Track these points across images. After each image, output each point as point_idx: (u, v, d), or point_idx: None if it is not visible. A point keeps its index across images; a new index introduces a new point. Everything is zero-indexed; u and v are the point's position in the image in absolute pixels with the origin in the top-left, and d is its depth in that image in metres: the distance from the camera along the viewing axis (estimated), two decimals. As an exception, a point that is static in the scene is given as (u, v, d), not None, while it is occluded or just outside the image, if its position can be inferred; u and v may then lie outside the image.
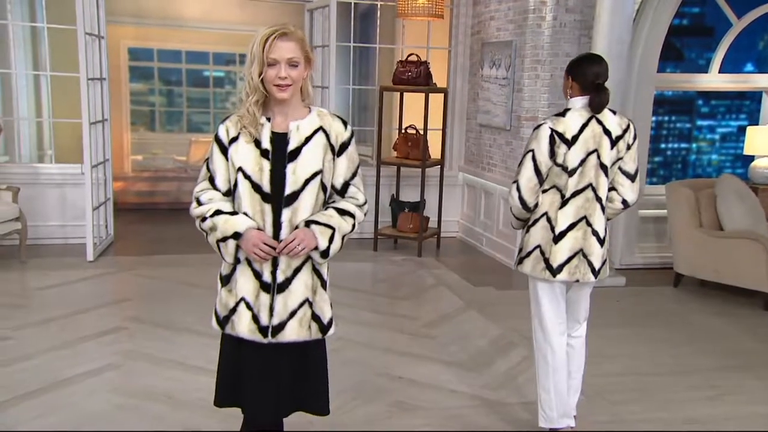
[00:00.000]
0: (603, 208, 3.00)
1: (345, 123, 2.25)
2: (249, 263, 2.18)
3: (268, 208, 2.14)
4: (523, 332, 4.48)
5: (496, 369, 3.96)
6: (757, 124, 6.71)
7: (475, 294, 5.37)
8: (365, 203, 2.30)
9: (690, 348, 4.43)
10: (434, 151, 6.71)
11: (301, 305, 2.20)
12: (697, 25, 6.63)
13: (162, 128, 11.46)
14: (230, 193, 2.20)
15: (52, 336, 4.16)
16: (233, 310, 2.21)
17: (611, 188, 3.03)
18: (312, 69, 2.20)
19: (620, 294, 5.46)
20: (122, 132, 10.19)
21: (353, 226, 2.24)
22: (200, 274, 5.29)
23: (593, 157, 2.93)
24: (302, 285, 2.19)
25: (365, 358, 4.03)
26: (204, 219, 2.19)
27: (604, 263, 3.05)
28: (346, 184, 2.25)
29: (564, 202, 2.97)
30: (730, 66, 6.63)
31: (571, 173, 2.93)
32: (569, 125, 2.92)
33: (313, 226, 2.15)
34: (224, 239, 2.15)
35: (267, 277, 2.17)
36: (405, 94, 6.72)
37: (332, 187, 2.24)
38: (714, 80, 6.65)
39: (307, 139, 2.16)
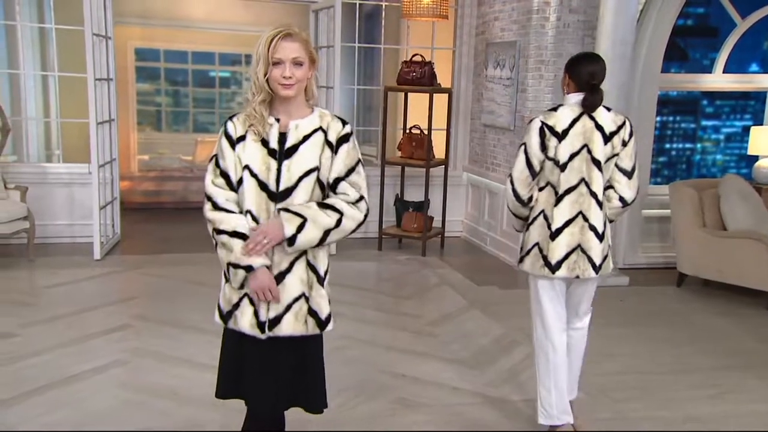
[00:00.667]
0: (600, 204, 3.02)
1: (345, 123, 2.27)
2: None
3: (273, 206, 2.18)
4: (526, 331, 4.49)
5: (499, 367, 3.99)
6: (761, 125, 6.71)
7: (479, 293, 5.40)
8: (360, 200, 2.23)
9: (692, 347, 4.45)
10: (438, 151, 6.73)
11: (296, 299, 2.22)
12: (701, 26, 6.64)
13: (168, 128, 11.51)
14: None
15: (60, 333, 4.21)
16: (236, 305, 2.24)
17: (609, 186, 3.05)
18: (316, 70, 2.23)
19: (623, 293, 5.48)
20: (129, 132, 10.25)
21: (339, 221, 2.17)
22: (206, 272, 5.33)
23: (584, 152, 2.97)
24: (297, 280, 2.22)
25: (368, 356, 4.06)
26: (219, 232, 2.18)
27: (605, 259, 3.06)
28: (338, 180, 2.22)
29: (559, 199, 3.01)
30: (734, 66, 6.64)
31: (562, 168, 2.98)
32: (560, 119, 2.98)
33: (282, 213, 2.14)
34: (236, 266, 2.17)
35: None
36: (409, 94, 6.75)
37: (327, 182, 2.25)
38: (718, 80, 6.66)
39: (305, 138, 2.19)
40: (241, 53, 11.23)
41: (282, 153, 2.18)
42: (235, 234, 2.16)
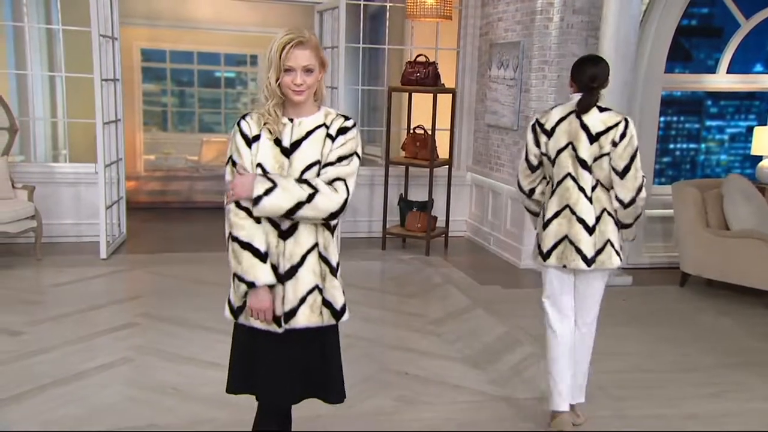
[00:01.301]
0: (590, 199, 3.10)
1: (348, 118, 2.31)
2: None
3: None
4: (529, 330, 4.54)
5: (502, 365, 4.02)
6: (765, 125, 6.72)
7: (482, 292, 5.42)
8: (339, 181, 2.20)
9: (694, 346, 4.46)
10: (442, 151, 6.76)
11: (310, 291, 2.24)
12: (705, 26, 6.65)
13: (174, 128, 11.57)
14: None
15: (67, 331, 4.26)
16: None
17: (612, 186, 3.10)
18: (325, 71, 2.28)
19: (627, 293, 5.50)
20: (135, 132, 10.31)
21: (311, 196, 2.14)
22: (211, 271, 5.38)
23: (569, 149, 3.10)
24: (309, 272, 2.24)
25: (372, 354, 4.10)
26: (234, 238, 2.20)
27: (599, 252, 3.10)
28: (327, 165, 2.22)
29: (552, 192, 3.19)
30: (738, 66, 6.64)
31: (553, 163, 3.16)
32: (550, 117, 3.17)
33: (258, 176, 2.17)
34: (240, 279, 2.20)
35: (278, 268, 2.23)
36: (413, 94, 6.78)
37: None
38: (722, 81, 6.67)
39: (308, 133, 2.24)
40: (247, 54, 11.29)
41: (286, 149, 2.22)
42: (247, 246, 2.18)
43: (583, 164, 3.07)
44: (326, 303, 2.29)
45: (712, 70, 6.77)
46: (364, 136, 8.23)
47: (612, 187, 3.09)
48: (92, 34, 5.60)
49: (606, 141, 3.03)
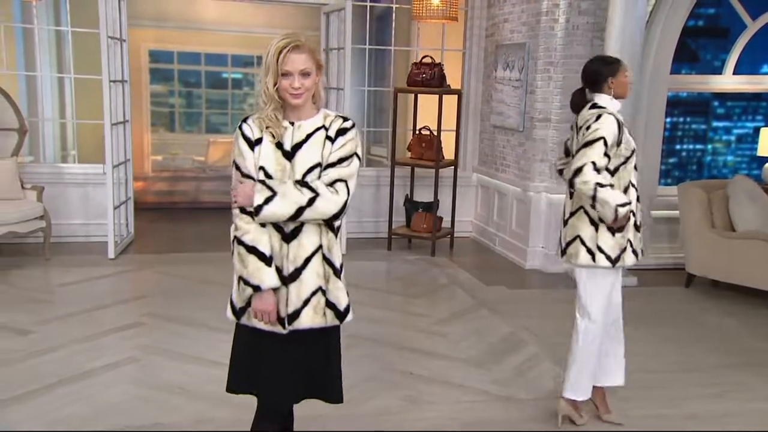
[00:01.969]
0: (571, 194, 3.25)
1: (346, 119, 2.32)
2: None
3: None
4: (534, 330, 4.56)
5: (506, 366, 4.03)
6: (771, 125, 6.70)
7: (487, 293, 5.44)
8: (339, 182, 2.22)
9: (698, 347, 4.47)
10: (448, 152, 6.77)
11: (314, 293, 2.27)
12: (711, 27, 6.64)
13: (181, 129, 11.64)
14: None
15: (74, 330, 4.30)
16: (251, 302, 2.27)
17: None
18: (323, 74, 2.31)
19: (632, 294, 5.44)
20: (143, 133, 10.37)
21: (312, 200, 2.17)
22: (217, 271, 5.40)
23: (572, 145, 3.30)
24: (313, 274, 2.27)
25: (377, 354, 4.12)
26: (239, 242, 2.23)
27: (568, 245, 3.24)
28: (328, 167, 2.24)
29: None
30: (745, 67, 6.63)
31: None
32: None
33: (257, 184, 2.20)
34: (245, 282, 2.22)
35: (282, 271, 2.26)
36: (419, 95, 6.80)
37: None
38: (728, 81, 6.66)
39: (308, 136, 2.26)
40: (254, 55, 11.33)
41: (288, 153, 2.25)
42: (252, 250, 2.21)
43: (571, 156, 3.28)
44: (330, 304, 2.31)
45: (719, 71, 6.76)
46: (370, 136, 8.26)
47: None
48: (101, 35, 5.65)
49: (581, 135, 3.14)
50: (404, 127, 7.49)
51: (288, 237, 2.24)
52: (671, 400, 3.69)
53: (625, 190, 3.16)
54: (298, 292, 2.25)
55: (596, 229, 3.16)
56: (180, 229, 7.28)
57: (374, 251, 6.57)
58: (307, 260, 2.26)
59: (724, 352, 4.37)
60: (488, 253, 6.77)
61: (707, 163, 7.59)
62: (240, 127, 2.28)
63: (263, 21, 9.87)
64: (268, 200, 2.17)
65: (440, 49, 7.00)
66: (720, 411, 3.60)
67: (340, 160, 2.25)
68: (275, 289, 2.23)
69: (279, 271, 2.23)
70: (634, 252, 3.25)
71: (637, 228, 3.23)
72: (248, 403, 2.44)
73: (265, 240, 2.21)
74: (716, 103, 7.36)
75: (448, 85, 6.56)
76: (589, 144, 3.04)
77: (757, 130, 6.96)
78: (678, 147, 7.38)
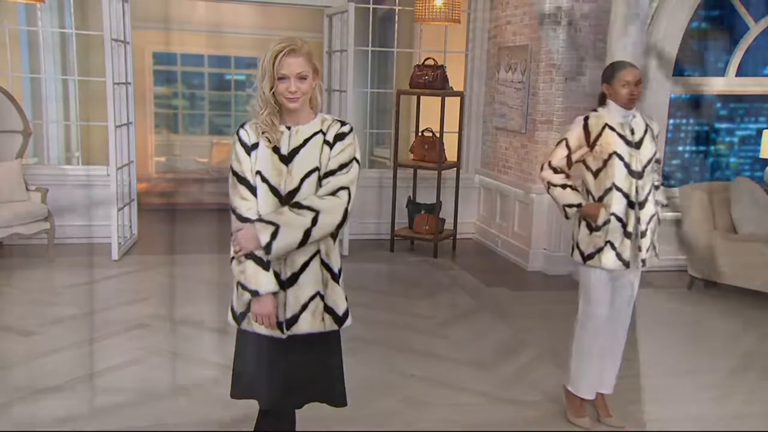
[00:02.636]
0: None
1: (344, 123, 2.33)
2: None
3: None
4: (535, 332, 4.57)
5: (508, 368, 4.04)
6: (774, 128, 6.69)
7: (489, 295, 5.45)
8: (341, 190, 2.22)
9: (699, 349, 4.48)
10: (450, 154, 6.78)
11: (312, 298, 2.28)
12: (714, 29, 6.64)
13: (185, 131, 11.66)
14: None
15: (78, 332, 4.32)
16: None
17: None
18: (319, 79, 2.31)
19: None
20: (146, 134, 10.39)
21: (315, 219, 2.17)
22: (220, 272, 5.42)
23: None
24: (311, 279, 2.28)
25: (379, 356, 4.13)
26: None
27: (574, 248, 3.33)
28: (327, 175, 2.24)
29: None
30: (748, 69, 6.62)
31: None
32: None
33: (256, 223, 2.19)
34: (244, 287, 2.24)
35: (280, 275, 2.27)
36: (422, 97, 6.81)
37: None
38: (731, 83, 6.66)
39: (306, 141, 2.27)
40: (257, 57, 11.25)
41: (284, 157, 2.25)
42: (250, 255, 2.21)
43: None
44: (328, 309, 2.32)
45: (722, 72, 6.76)
46: (372, 138, 8.28)
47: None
48: (105, 38, 5.67)
49: None
50: (407, 129, 7.50)
51: None
52: (673, 402, 3.69)
53: (606, 193, 3.16)
54: (296, 296, 2.26)
55: (578, 225, 3.29)
56: (183, 230, 7.29)
57: (377, 253, 6.58)
58: (305, 265, 2.27)
59: (727, 355, 4.38)
60: (490, 255, 6.78)
61: (710, 165, 7.59)
62: (237, 133, 2.29)
63: (267, 23, 9.89)
64: (274, 235, 2.16)
65: (443, 51, 7.01)
66: (722, 414, 3.60)
67: (341, 167, 2.25)
68: (274, 293, 2.24)
69: (277, 275, 2.24)
70: (619, 257, 3.18)
71: (626, 234, 3.16)
72: (251, 405, 2.45)
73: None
74: (719, 105, 7.36)
75: (451, 87, 6.57)
76: (557, 144, 3.30)
77: (759, 132, 6.95)
78: (680, 148, 7.38)
